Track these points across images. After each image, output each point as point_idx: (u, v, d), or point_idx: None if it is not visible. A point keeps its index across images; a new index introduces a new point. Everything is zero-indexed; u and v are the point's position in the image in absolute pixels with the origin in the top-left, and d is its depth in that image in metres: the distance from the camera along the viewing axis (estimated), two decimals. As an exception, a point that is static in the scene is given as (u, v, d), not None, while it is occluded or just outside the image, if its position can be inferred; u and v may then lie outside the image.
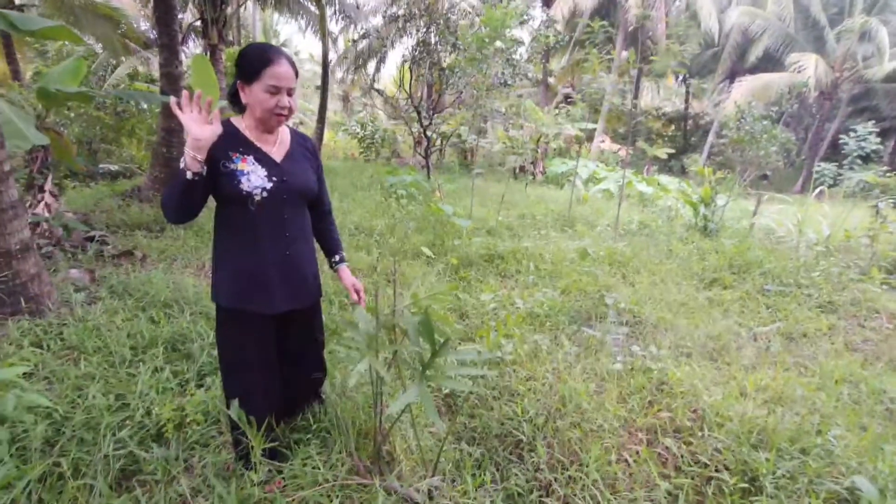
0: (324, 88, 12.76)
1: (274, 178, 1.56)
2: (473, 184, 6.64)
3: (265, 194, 1.53)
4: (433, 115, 10.21)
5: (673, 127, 26.02)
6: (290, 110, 1.55)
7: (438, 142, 12.03)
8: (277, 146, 1.63)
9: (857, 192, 9.96)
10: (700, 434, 2.07)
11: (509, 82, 8.00)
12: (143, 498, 1.63)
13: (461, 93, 9.18)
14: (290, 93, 1.52)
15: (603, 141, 16.17)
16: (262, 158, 1.57)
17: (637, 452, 2.02)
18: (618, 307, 3.40)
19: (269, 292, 1.59)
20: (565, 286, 4.00)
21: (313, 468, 1.72)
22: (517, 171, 12.78)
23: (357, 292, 1.80)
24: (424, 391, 1.43)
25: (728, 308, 3.87)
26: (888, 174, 7.35)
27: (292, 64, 1.52)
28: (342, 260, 1.85)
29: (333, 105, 21.35)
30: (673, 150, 17.18)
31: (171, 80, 5.75)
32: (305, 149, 1.72)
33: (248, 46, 1.53)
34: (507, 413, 2.31)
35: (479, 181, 10.31)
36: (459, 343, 2.96)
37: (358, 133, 14.01)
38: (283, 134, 1.67)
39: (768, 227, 5.94)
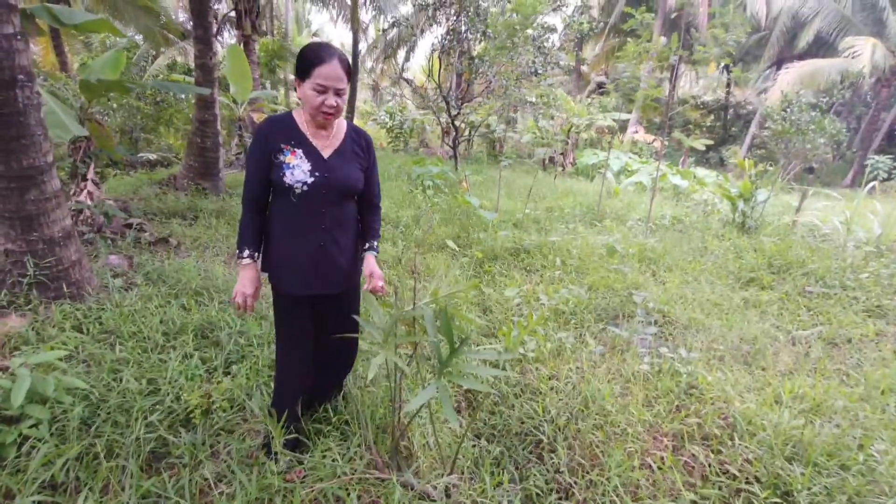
0: (354, 78, 12.81)
1: (316, 174, 1.64)
2: (501, 175, 6.55)
3: (305, 188, 1.63)
4: (462, 104, 10.11)
5: (712, 117, 24.98)
6: (338, 109, 1.61)
7: (467, 132, 11.94)
8: (330, 140, 1.69)
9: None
10: (730, 443, 1.99)
11: (540, 71, 7.83)
12: (170, 481, 1.69)
13: (491, 82, 9.04)
14: (339, 93, 1.57)
15: (636, 132, 15.68)
16: (311, 153, 1.65)
17: (662, 459, 1.97)
18: (646, 306, 3.30)
19: (300, 276, 1.71)
20: (592, 283, 3.92)
21: (332, 461, 1.74)
22: (546, 162, 12.56)
23: (373, 279, 1.79)
24: (443, 388, 1.42)
25: (765, 310, 3.71)
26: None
27: (345, 64, 1.56)
28: (371, 248, 1.85)
29: (363, 95, 21.48)
30: (711, 142, 16.52)
31: (206, 72, 5.87)
32: (358, 145, 1.76)
33: (307, 45, 1.58)
34: (528, 412, 2.28)
35: (507, 172, 10.18)
36: (483, 338, 2.94)
37: (386, 123, 14.05)
38: (339, 128, 1.73)
39: (813, 224, 5.64)
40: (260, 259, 1.76)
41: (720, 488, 1.76)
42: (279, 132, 1.63)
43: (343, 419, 1.91)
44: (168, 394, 2.08)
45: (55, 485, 1.66)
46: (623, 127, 16.53)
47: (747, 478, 1.79)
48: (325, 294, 1.78)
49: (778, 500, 1.64)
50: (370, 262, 1.83)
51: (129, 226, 4.51)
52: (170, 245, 4.24)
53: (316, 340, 1.89)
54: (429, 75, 10.41)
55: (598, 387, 2.40)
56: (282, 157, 1.61)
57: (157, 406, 2.01)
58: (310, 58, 1.52)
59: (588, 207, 6.72)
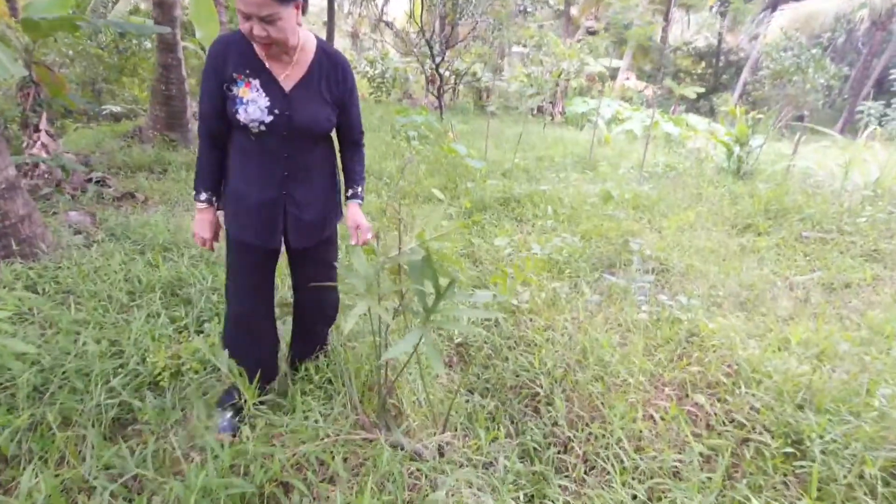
0: (330, 24, 12.03)
1: (276, 112, 1.39)
2: (489, 124, 6.24)
3: (262, 128, 1.39)
4: (446, 50, 9.57)
5: (703, 64, 24.34)
6: (273, 39, 1.30)
7: (452, 80, 11.40)
8: (292, 69, 1.42)
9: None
10: (736, 391, 1.89)
11: (529, 9, 7.34)
12: (136, 448, 1.54)
13: (476, 23, 8.51)
14: (265, 20, 1.25)
15: (627, 78, 15.19)
16: (269, 84, 1.39)
17: (665, 409, 1.87)
18: (643, 254, 3.17)
19: (262, 227, 1.52)
20: (585, 231, 3.76)
21: (315, 421, 1.60)
22: (535, 111, 12.14)
23: (360, 232, 1.61)
24: (428, 337, 1.26)
25: (762, 256, 3.61)
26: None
27: None
28: (355, 196, 1.65)
29: (342, 42, 20.33)
30: (703, 90, 16.14)
31: (165, 10, 5.35)
32: (330, 73, 1.48)
33: None
34: (524, 364, 2.16)
35: (495, 122, 9.80)
36: (474, 289, 2.79)
37: (367, 72, 13.35)
38: (304, 53, 1.43)
39: (808, 169, 5.51)
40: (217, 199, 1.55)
41: (727, 438, 1.67)
42: (234, 57, 1.38)
43: (326, 377, 1.76)
44: (132, 356, 1.89)
45: (5, 458, 1.50)
46: (613, 74, 15.99)
47: (755, 427, 1.70)
48: (290, 248, 1.61)
49: (790, 449, 1.55)
50: (355, 213, 1.63)
51: (91, 180, 4.18)
52: (136, 200, 3.95)
53: (295, 294, 1.74)
54: (410, 17, 9.78)
55: (595, 337, 2.28)
56: (235, 90, 1.37)
57: (120, 370, 1.83)
58: None
59: (579, 156, 6.50)
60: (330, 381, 1.77)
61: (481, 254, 3.32)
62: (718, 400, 1.89)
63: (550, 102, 10.60)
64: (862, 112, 14.48)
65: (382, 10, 13.62)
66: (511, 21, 6.21)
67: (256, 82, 1.38)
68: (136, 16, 11.75)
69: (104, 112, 7.69)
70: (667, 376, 2.03)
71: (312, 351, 1.85)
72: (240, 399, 1.53)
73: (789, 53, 6.09)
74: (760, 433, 1.65)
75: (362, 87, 14.23)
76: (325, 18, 12.46)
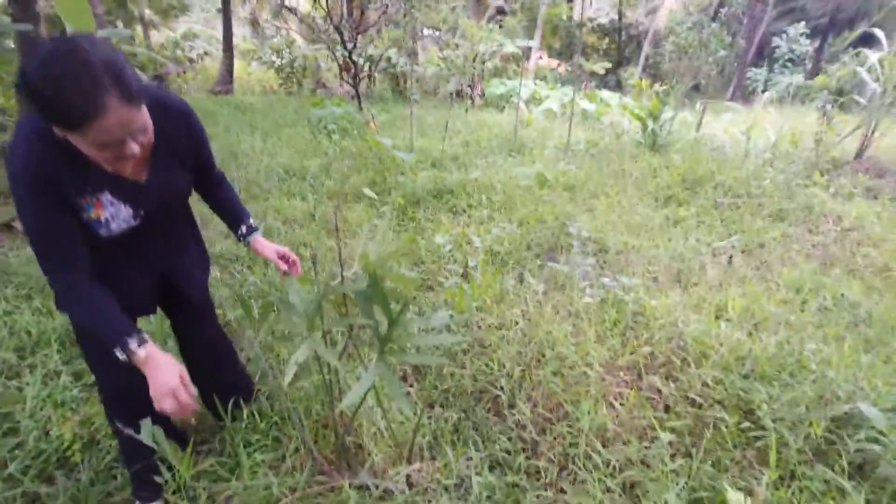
0: (226, 12, 11.12)
1: (142, 212, 1.15)
2: (413, 111, 6.08)
3: (129, 228, 1.14)
4: (357, 35, 9.18)
5: (607, 40, 25.52)
6: (144, 146, 1.03)
7: (366, 67, 11.00)
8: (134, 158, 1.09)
9: (787, 97, 10.24)
10: (686, 369, 1.95)
11: (440, -8, 7.19)
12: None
13: (387, 7, 8.22)
14: (140, 129, 0.97)
15: (540, 58, 15.55)
16: (120, 188, 1.10)
17: (624, 396, 1.89)
18: (581, 236, 3.22)
19: (141, 303, 1.32)
20: (522, 218, 3.77)
21: (265, 475, 1.43)
22: (454, 95, 12.05)
23: (285, 259, 1.44)
24: (386, 372, 1.14)
25: (685, 225, 3.82)
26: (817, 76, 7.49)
27: (132, 89, 0.91)
28: (252, 229, 1.47)
29: (241, 31, 18.92)
30: (610, 65, 16.91)
31: (22, 4, 4.59)
32: (174, 131, 1.17)
33: (39, 78, 0.83)
34: (480, 368, 2.10)
35: (416, 109, 9.62)
36: (420, 293, 2.68)
37: (274, 62, 12.53)
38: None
39: (715, 137, 5.92)
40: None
41: (686, 418, 1.72)
42: (63, 177, 1.00)
43: (273, 421, 1.58)
44: (31, 431, 1.59)
45: None
46: (526, 55, 16.29)
47: (709, 403, 1.76)
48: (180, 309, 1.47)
49: (746, 423, 1.61)
50: (264, 245, 1.46)
51: (-48, 212, 3.53)
52: (15, 232, 3.39)
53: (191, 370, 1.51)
54: (315, 2, 9.25)
55: (547, 329, 2.27)
56: (85, 215, 1.07)
57: (17, 451, 1.53)
58: (68, 115, 0.86)
59: (504, 139, 6.52)
60: (276, 424, 1.59)
61: (421, 252, 3.21)
62: (670, 379, 1.94)
63: (469, 86, 10.57)
64: (749, 79, 15.94)
65: (284, -6, 12.79)
66: (422, 3, 6.03)
67: (105, 195, 1.08)
68: (-10, 10, 10.15)
69: (-39, 126, 6.56)
70: (620, 361, 2.06)
71: (236, 395, 1.65)
72: (163, 475, 1.26)
73: (687, 28, 6.46)
74: (715, 408, 1.71)
75: (270, 79, 13.37)
76: (220, 5, 11.48)
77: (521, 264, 3.08)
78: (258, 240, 1.47)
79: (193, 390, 1.09)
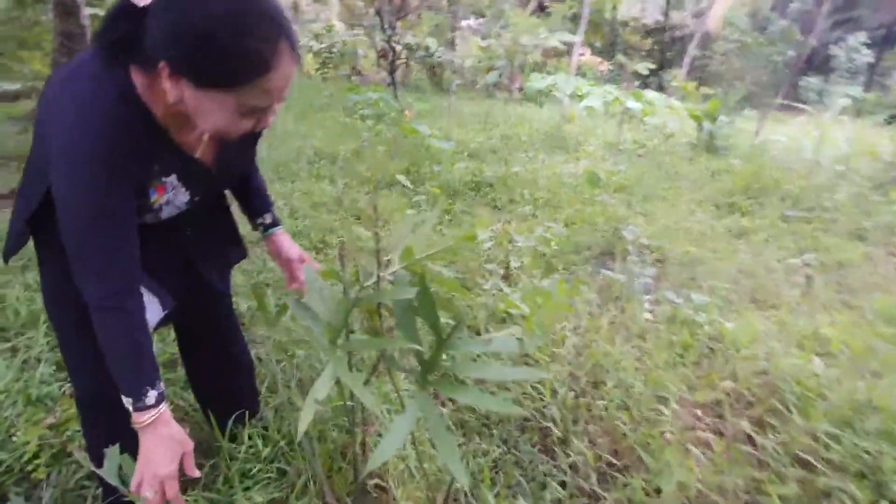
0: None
1: (196, 199, 0.93)
2: (451, 101, 5.76)
3: (176, 213, 0.93)
4: (397, 20, 8.89)
5: (650, 40, 24.64)
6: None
7: (404, 55, 10.72)
8: (207, 133, 0.87)
9: (847, 108, 9.50)
10: (783, 412, 1.59)
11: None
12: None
13: (431, -9, 7.90)
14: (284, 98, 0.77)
15: (582, 54, 14.99)
16: (190, 171, 0.88)
17: (702, 441, 1.54)
18: (638, 242, 2.85)
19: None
20: (568, 218, 3.42)
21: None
22: (490, 88, 11.67)
23: (309, 266, 1.15)
24: (430, 411, 0.83)
25: (751, 239, 3.40)
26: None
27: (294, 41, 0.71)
28: (274, 223, 1.17)
29: (283, 15, 18.86)
30: (654, 66, 16.22)
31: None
32: None
33: (217, 18, 0.64)
34: (526, 390, 1.78)
35: (452, 100, 9.31)
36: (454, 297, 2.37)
37: (312, 46, 12.36)
38: None
39: (776, 144, 5.42)
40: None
41: (794, 485, 1.35)
42: (141, 151, 0.78)
43: (277, 446, 1.29)
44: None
45: None
46: (568, 50, 15.75)
47: (823, 465, 1.39)
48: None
49: (880, 499, 1.25)
50: (286, 243, 1.17)
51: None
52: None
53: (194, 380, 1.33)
54: (357, -16, 9.00)
55: (605, 349, 1.93)
56: (142, 200, 0.84)
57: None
58: (245, 64, 0.66)
59: (546, 134, 6.15)
60: (282, 452, 1.30)
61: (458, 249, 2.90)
62: (768, 427, 1.58)
63: (508, 78, 10.18)
64: (802, 87, 15.00)
65: (325, -22, 12.61)
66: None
67: (172, 179, 0.86)
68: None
69: (-2, 91, 6.57)
70: (698, 396, 1.70)
71: (241, 407, 1.36)
72: None
73: (748, 27, 5.96)
74: (833, 475, 1.34)
75: (307, 64, 13.24)
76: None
77: (569, 269, 2.74)
78: (281, 236, 1.17)
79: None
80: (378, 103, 6.39)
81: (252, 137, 0.98)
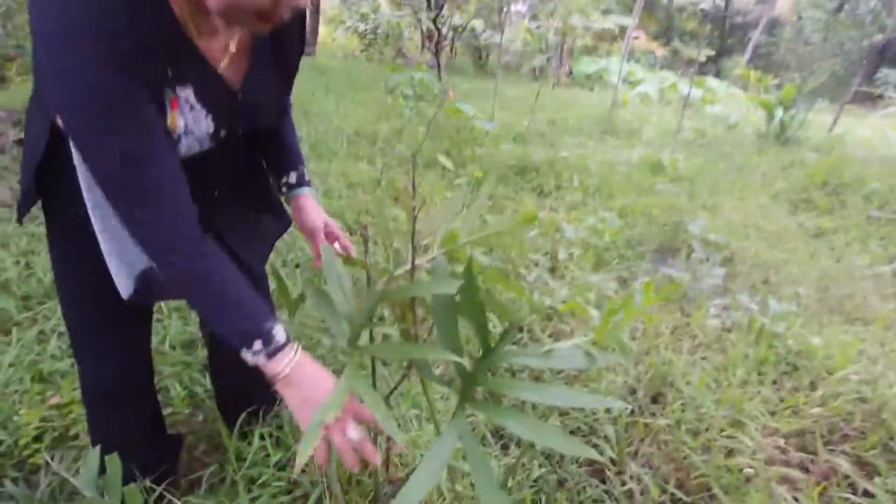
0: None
1: (221, 133, 0.74)
2: (497, 82, 5.48)
3: (196, 157, 0.74)
4: (444, 2, 8.61)
5: (709, 27, 23.19)
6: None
7: (449, 37, 10.43)
8: (235, 41, 0.69)
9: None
10: (894, 451, 1.31)
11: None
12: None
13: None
14: None
15: (637, 38, 14.24)
16: (210, 86, 0.69)
17: (790, 481, 1.29)
18: (705, 238, 2.55)
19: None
20: (622, 207, 3.13)
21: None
22: (536, 71, 11.23)
23: (332, 240, 0.97)
24: (469, 439, 0.64)
25: (832, 240, 3.01)
26: None
27: None
28: (302, 181, 0.98)
29: (330, -3, 18.86)
30: (713, 52, 15.26)
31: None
32: (288, 25, 0.66)
33: None
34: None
35: (498, 82, 8.99)
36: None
37: (357, 27, 12.25)
38: None
39: (856, 137, 4.88)
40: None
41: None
42: (139, 35, 0.56)
43: (291, 451, 1.13)
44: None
45: None
46: (620, 34, 15.00)
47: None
48: None
49: None
50: (314, 208, 0.99)
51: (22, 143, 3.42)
52: None
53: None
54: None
55: (667, 358, 1.69)
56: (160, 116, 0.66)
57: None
58: None
59: (596, 119, 5.78)
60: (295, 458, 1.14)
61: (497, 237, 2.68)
62: (865, 465, 1.31)
63: (557, 61, 9.75)
64: (878, 80, 13.70)
65: (373, -44, 12.40)
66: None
67: (187, 92, 0.67)
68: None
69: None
70: (783, 425, 1.44)
71: (258, 402, 1.21)
72: None
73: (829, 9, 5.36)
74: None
75: (353, 45, 13.14)
76: (310, -35, 11.29)
77: (623, 264, 2.48)
78: (308, 198, 0.99)
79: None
80: (421, 83, 6.18)
81: (284, 70, 0.81)
